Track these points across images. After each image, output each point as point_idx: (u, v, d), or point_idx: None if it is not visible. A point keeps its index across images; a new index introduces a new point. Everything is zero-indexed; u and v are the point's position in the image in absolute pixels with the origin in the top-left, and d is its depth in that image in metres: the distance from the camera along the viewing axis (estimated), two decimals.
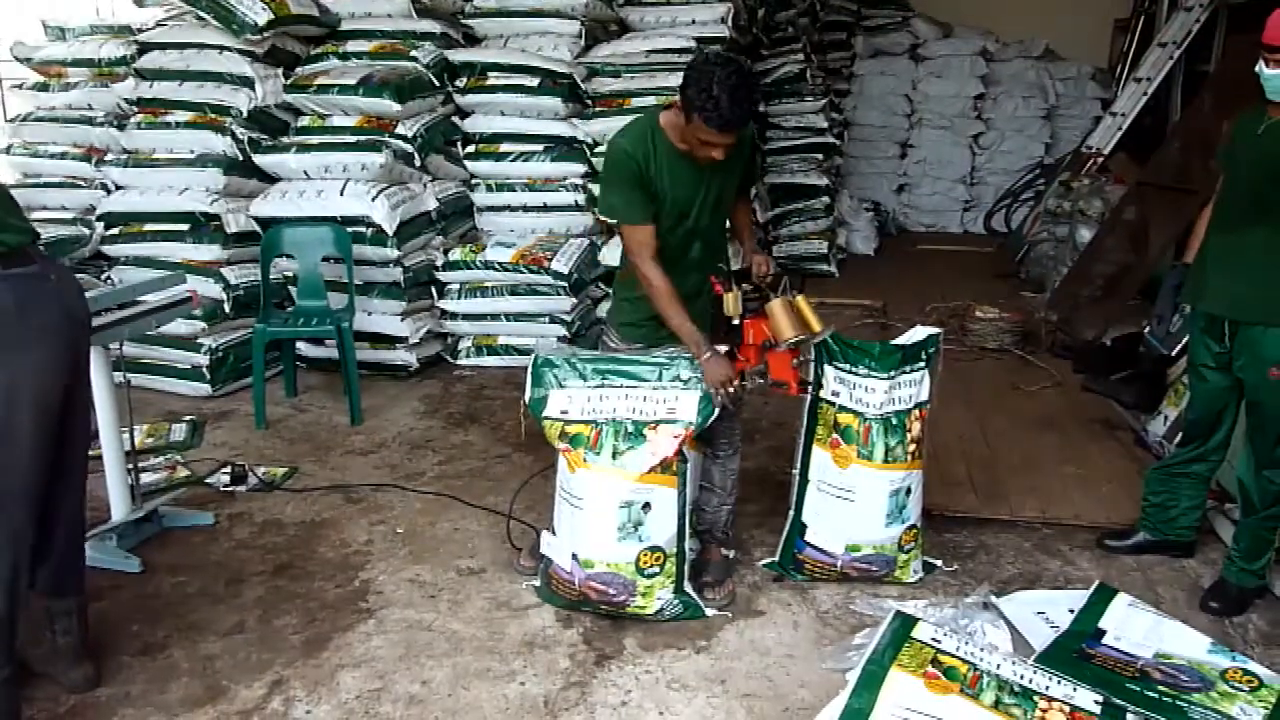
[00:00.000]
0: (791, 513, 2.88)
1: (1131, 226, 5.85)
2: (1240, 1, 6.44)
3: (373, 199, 4.49)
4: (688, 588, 2.70)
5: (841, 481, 2.73)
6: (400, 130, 4.72)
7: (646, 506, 2.55)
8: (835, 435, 2.72)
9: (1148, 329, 5.01)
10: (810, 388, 2.73)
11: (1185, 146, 5.86)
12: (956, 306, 5.58)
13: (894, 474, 2.71)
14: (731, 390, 2.52)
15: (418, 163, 4.79)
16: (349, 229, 4.43)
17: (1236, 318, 2.66)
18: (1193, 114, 6.14)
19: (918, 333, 2.78)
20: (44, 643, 2.36)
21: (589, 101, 5.12)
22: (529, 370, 2.66)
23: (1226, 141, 2.79)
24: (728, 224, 2.82)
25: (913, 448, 2.73)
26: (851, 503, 2.74)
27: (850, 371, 2.71)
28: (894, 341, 2.78)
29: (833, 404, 2.72)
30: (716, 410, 2.58)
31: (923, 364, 2.74)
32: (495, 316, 4.92)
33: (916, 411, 2.74)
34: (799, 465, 2.84)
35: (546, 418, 2.62)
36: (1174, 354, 4.57)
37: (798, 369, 2.62)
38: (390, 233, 4.49)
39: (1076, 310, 5.64)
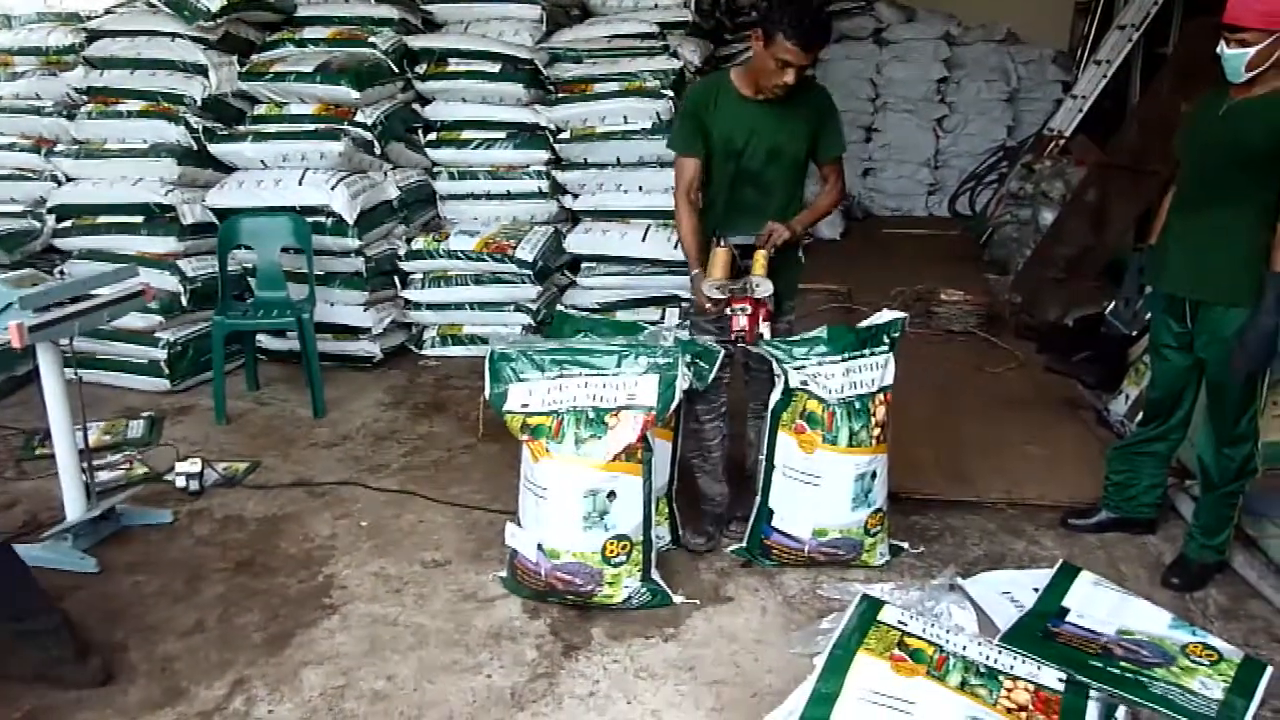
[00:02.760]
0: (759, 499, 2.87)
1: (1092, 208, 5.91)
2: None
3: (332, 188, 4.42)
4: (655, 575, 2.69)
5: (807, 467, 2.73)
6: (360, 118, 4.64)
7: (612, 495, 2.53)
8: (800, 421, 2.72)
9: (1109, 309, 5.11)
10: (759, 340, 2.72)
11: (1144, 128, 5.91)
12: (922, 290, 5.59)
13: (859, 458, 2.71)
14: (710, 309, 2.67)
15: (378, 151, 4.72)
16: (308, 219, 4.36)
17: (1197, 298, 2.68)
18: (1151, 96, 6.20)
19: (881, 317, 2.78)
20: (39, 659, 2.31)
21: (551, 87, 5.06)
22: (486, 366, 2.62)
23: (1188, 124, 2.80)
24: (800, 187, 2.91)
25: (877, 431, 2.73)
26: (817, 488, 2.74)
27: (805, 364, 2.70)
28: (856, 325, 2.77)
29: (802, 391, 2.71)
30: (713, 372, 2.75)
31: (886, 348, 2.74)
32: (460, 306, 4.87)
33: (880, 395, 2.74)
34: (765, 451, 2.83)
35: (508, 411, 2.59)
36: (1135, 334, 4.66)
37: (750, 318, 2.65)
38: (351, 222, 4.42)
39: (1039, 292, 5.68)
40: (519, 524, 2.66)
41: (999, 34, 8.92)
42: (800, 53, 2.55)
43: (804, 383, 2.72)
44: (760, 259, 2.71)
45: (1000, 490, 3.36)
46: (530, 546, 2.60)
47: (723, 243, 2.76)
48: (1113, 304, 4.98)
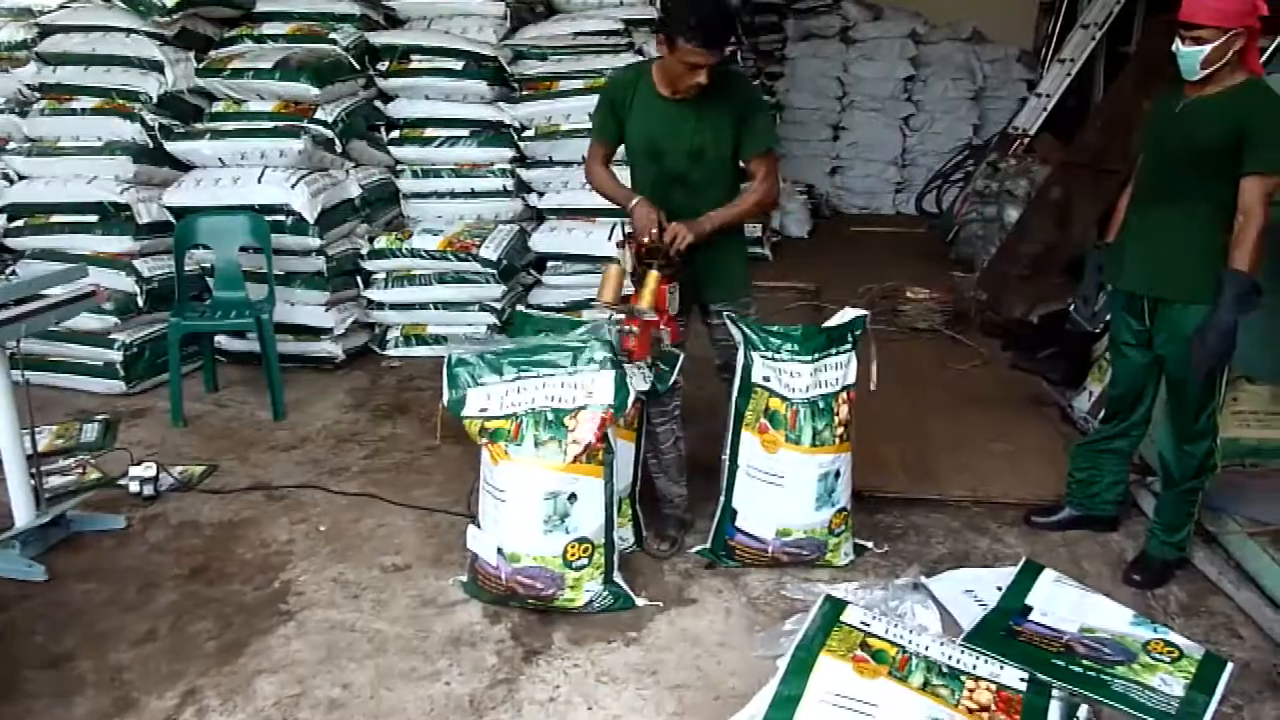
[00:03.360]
0: (722, 499, 2.85)
1: (1056, 206, 5.94)
2: None
3: (292, 186, 4.35)
4: (618, 578, 2.66)
5: (770, 466, 2.71)
6: (320, 115, 4.57)
7: (572, 497, 2.49)
8: (763, 420, 2.70)
9: (1072, 306, 5.14)
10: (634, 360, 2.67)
11: (1107, 127, 5.95)
12: (888, 288, 5.61)
13: (822, 457, 2.70)
14: (651, 238, 2.61)
15: (339, 148, 4.65)
16: (268, 217, 4.29)
17: (1156, 295, 2.69)
18: (1114, 95, 6.25)
19: (844, 315, 2.76)
20: None
21: (515, 85, 5.02)
22: (444, 372, 2.58)
23: (1145, 122, 2.81)
24: (734, 186, 2.82)
25: (840, 430, 2.72)
26: (781, 487, 2.72)
27: (774, 358, 2.68)
28: (819, 325, 2.75)
29: (763, 389, 2.69)
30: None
31: (849, 346, 2.73)
32: (423, 305, 4.81)
33: (844, 394, 2.73)
34: (728, 451, 2.81)
35: (467, 417, 2.54)
36: (1099, 331, 4.69)
37: (639, 338, 2.64)
38: (311, 221, 4.35)
39: (1004, 289, 5.71)
40: (479, 527, 2.61)
41: (965, 33, 8.97)
42: (705, 53, 2.47)
43: (766, 379, 2.70)
44: (650, 282, 2.61)
45: (965, 488, 3.36)
46: (490, 550, 2.56)
47: (626, 245, 2.70)
48: (1075, 301, 5.08)
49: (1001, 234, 6.28)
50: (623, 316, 2.65)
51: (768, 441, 2.69)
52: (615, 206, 4.71)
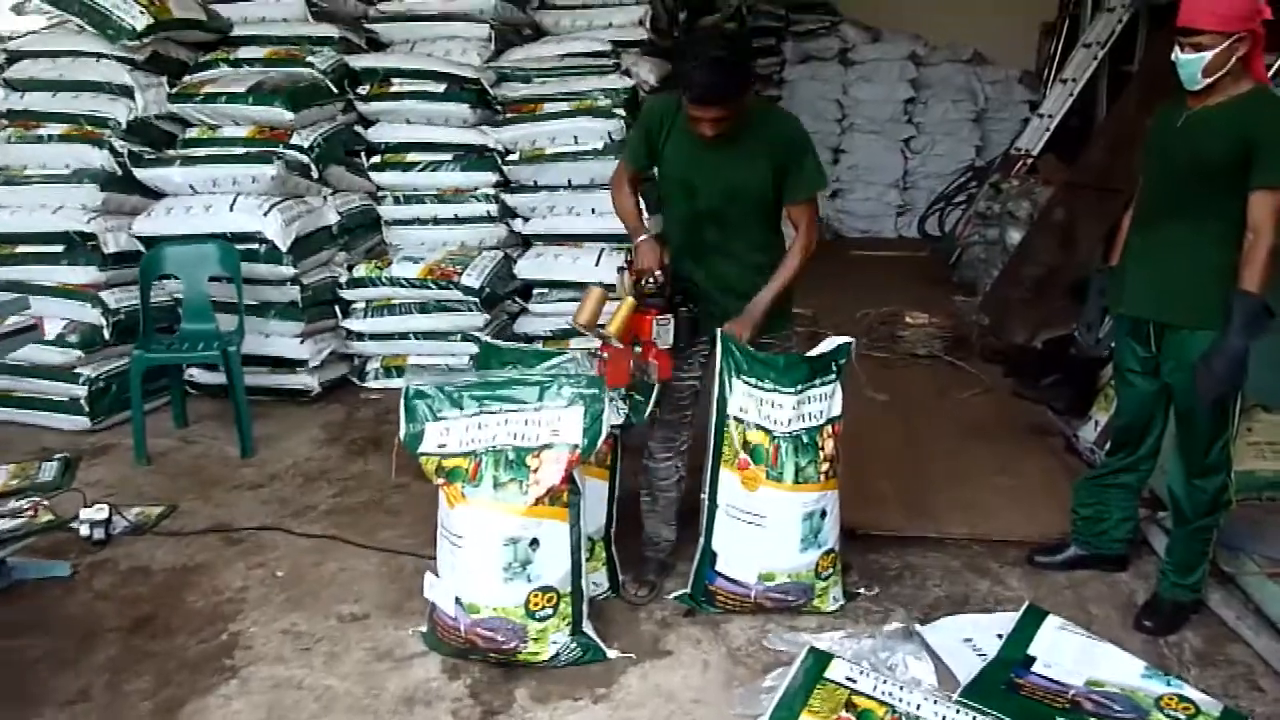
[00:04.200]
0: (701, 540, 2.67)
1: (1059, 227, 5.78)
2: (1161, 1, 6.43)
3: (265, 213, 4.21)
4: (587, 628, 2.47)
5: (751, 505, 2.53)
6: (296, 140, 4.44)
7: (534, 543, 2.31)
8: (743, 455, 2.51)
9: (1077, 331, 4.96)
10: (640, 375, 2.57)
11: (1110, 146, 5.80)
12: (886, 313, 5.43)
13: (806, 496, 2.51)
14: (651, 282, 2.50)
15: (315, 174, 4.51)
16: (241, 246, 4.15)
17: (1162, 320, 2.51)
18: (1117, 114, 6.10)
19: (828, 343, 2.59)
20: None
21: (499, 107, 4.89)
22: (401, 405, 2.41)
23: (1147, 137, 2.65)
24: (773, 227, 2.69)
25: (826, 466, 2.54)
26: (762, 528, 2.53)
27: (758, 386, 2.51)
28: (803, 355, 2.58)
29: (741, 421, 2.51)
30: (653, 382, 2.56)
31: (833, 376, 2.55)
32: (404, 335, 4.65)
33: (829, 427, 2.55)
34: (707, 489, 2.62)
35: (423, 453, 2.37)
36: (1106, 355, 4.50)
37: (614, 363, 2.53)
38: (284, 249, 4.20)
39: (1007, 313, 5.54)
40: (436, 574, 2.43)
41: (965, 54, 8.85)
42: (698, 108, 2.36)
43: (743, 410, 2.52)
44: (621, 310, 2.51)
45: (964, 525, 3.17)
46: (448, 600, 2.38)
47: (625, 271, 2.61)
48: (1077, 327, 4.90)
49: (1004, 257, 6.11)
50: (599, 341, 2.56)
51: (748, 479, 2.51)
52: (609, 231, 4.80)
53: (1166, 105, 2.55)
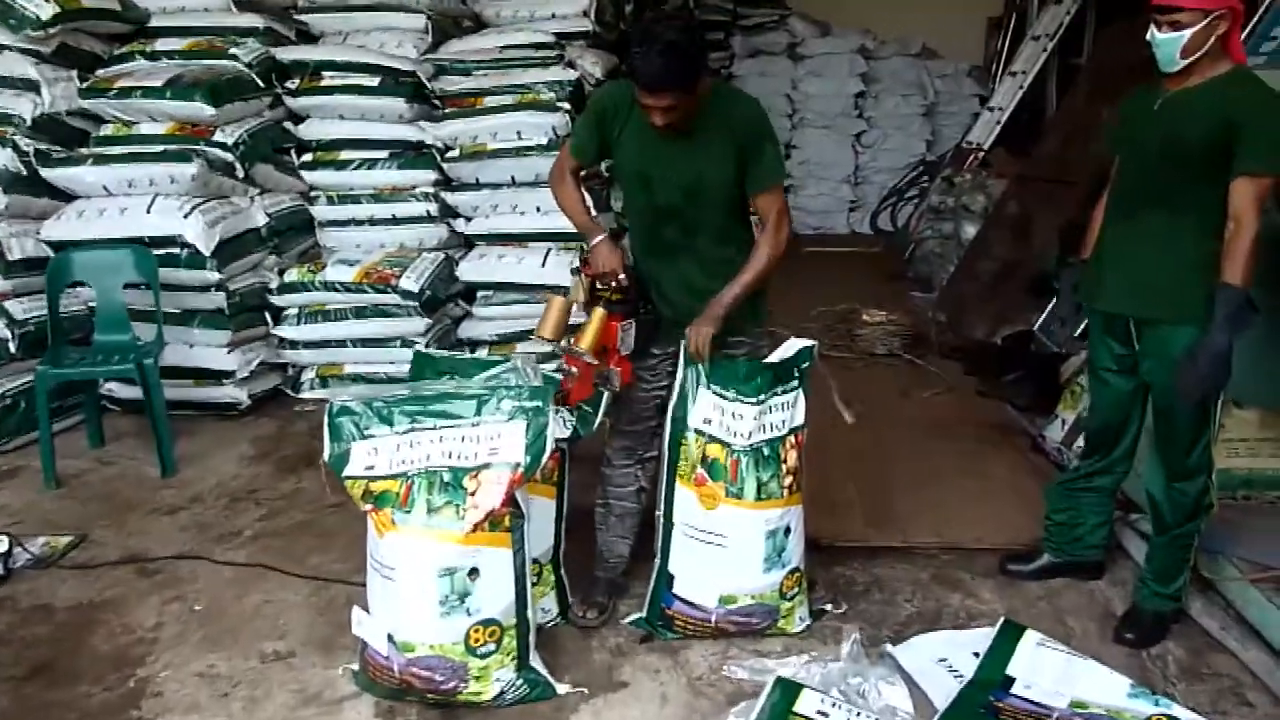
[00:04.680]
0: (657, 561, 2.48)
1: (1014, 221, 5.68)
2: None
3: (185, 215, 3.94)
4: (535, 661, 2.26)
5: (709, 525, 2.34)
6: (219, 137, 4.17)
7: (474, 573, 2.11)
8: (700, 471, 2.33)
9: (1037, 325, 4.86)
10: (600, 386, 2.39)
11: (1063, 139, 5.72)
12: (843, 311, 5.30)
13: (769, 512, 2.33)
14: (613, 286, 2.33)
15: (240, 173, 4.24)
16: (161, 250, 3.87)
17: (1140, 315, 2.37)
18: (1068, 106, 6.04)
19: (790, 347, 2.41)
20: None
21: (437, 102, 4.65)
22: (325, 423, 2.19)
23: (1118, 122, 2.51)
24: (739, 222, 2.49)
25: (789, 480, 2.36)
26: (723, 548, 2.35)
27: (722, 395, 2.32)
28: (764, 360, 2.39)
29: (702, 434, 2.32)
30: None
31: (795, 383, 2.38)
32: (340, 343, 4.39)
33: (791, 438, 2.37)
34: (662, 506, 2.44)
35: (349, 477, 2.15)
36: (1065, 351, 4.41)
37: (580, 381, 2.33)
38: (207, 253, 3.94)
39: (964, 309, 5.42)
40: (367, 610, 2.21)
41: (914, 48, 8.79)
42: (647, 95, 2.17)
43: (707, 421, 2.34)
44: (594, 322, 2.32)
45: (932, 533, 3.02)
46: (380, 638, 2.16)
47: (580, 274, 2.42)
48: (1041, 319, 4.80)
49: (959, 251, 6.01)
50: (563, 355, 2.35)
51: (705, 495, 2.32)
52: (555, 230, 4.59)
53: (1139, 90, 2.41)
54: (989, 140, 7.28)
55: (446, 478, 2.10)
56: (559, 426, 2.39)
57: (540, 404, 2.15)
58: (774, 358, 2.38)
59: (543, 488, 2.45)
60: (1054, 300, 4.84)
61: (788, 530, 2.38)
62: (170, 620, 2.62)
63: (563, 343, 2.35)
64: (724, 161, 2.32)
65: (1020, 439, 3.82)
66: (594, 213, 2.62)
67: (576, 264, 2.46)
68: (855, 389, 4.22)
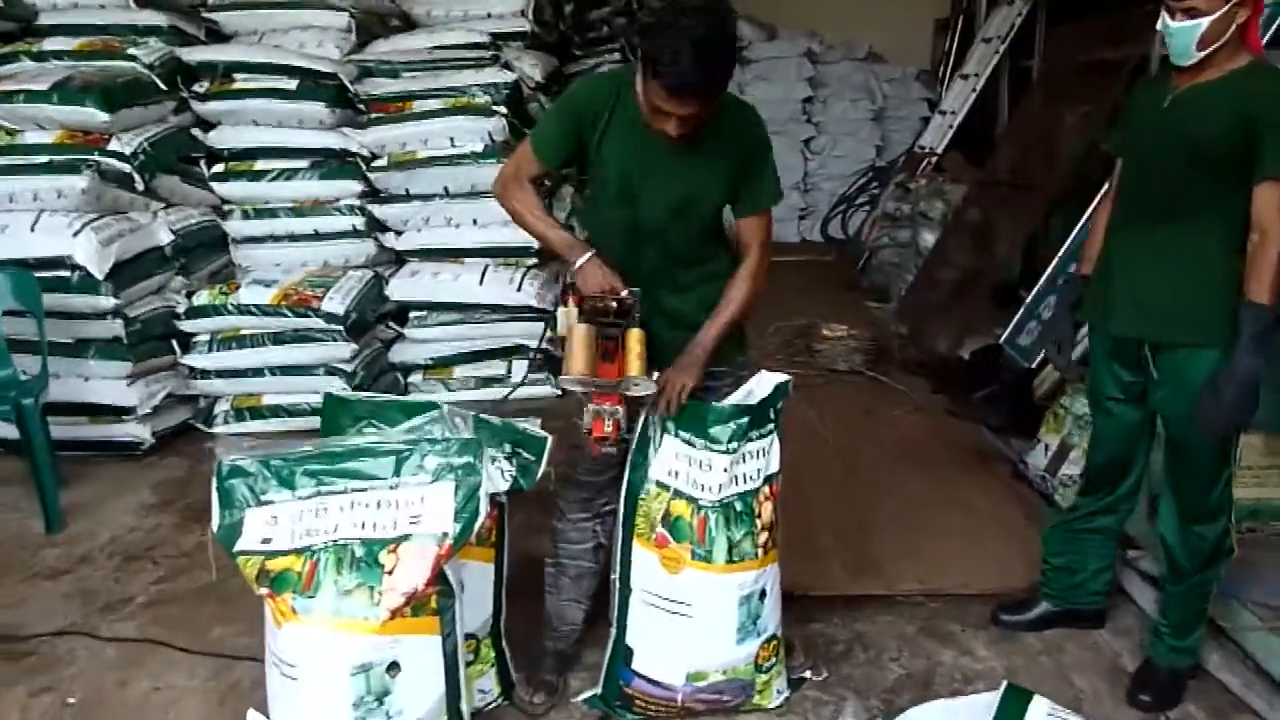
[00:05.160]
0: (613, 632, 2.14)
1: (975, 228, 5.49)
2: None
3: (75, 234, 3.51)
4: None
5: (673, 592, 2.01)
6: (114, 146, 3.74)
7: (394, 668, 1.75)
8: (661, 530, 2.00)
9: (1004, 338, 4.64)
10: (608, 445, 1.98)
11: (1021, 143, 5.55)
12: (802, 325, 5.02)
13: (742, 576, 2.01)
14: (600, 305, 1.95)
15: (140, 186, 3.82)
16: (47, 273, 3.44)
17: (1154, 338, 2.11)
18: (1025, 109, 5.86)
19: (762, 382, 2.09)
20: None
21: (362, 107, 4.28)
22: (213, 486, 1.82)
23: (1124, 122, 2.26)
24: (722, 247, 2.15)
25: (764, 538, 2.04)
26: (689, 619, 2.02)
27: (690, 444, 1.99)
28: (735, 401, 2.07)
29: (665, 488, 2.00)
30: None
31: (771, 425, 2.06)
32: (257, 371, 3.98)
33: (766, 489, 2.05)
34: (618, 568, 2.10)
35: (242, 553, 1.78)
36: (1035, 365, 4.18)
37: (616, 422, 1.93)
38: (100, 275, 3.51)
39: (925, 320, 5.21)
40: (266, 713, 1.84)
41: (861, 52, 8.64)
42: (672, 101, 1.79)
43: (673, 474, 2.01)
44: (635, 342, 1.95)
45: (915, 579, 2.74)
46: None
47: (567, 299, 2.02)
48: (1008, 332, 4.58)
49: (918, 260, 5.80)
50: (593, 395, 1.95)
51: (668, 559, 2.00)
52: (493, 245, 4.23)
53: (1146, 85, 2.17)
54: (941, 144, 7.11)
55: (359, 553, 1.74)
56: (497, 479, 2.07)
57: (472, 460, 1.80)
58: (747, 396, 2.05)
59: (478, 552, 2.11)
60: (1020, 311, 4.68)
61: (763, 594, 2.06)
62: (36, 718, 2.21)
63: (598, 382, 1.94)
64: (722, 177, 2.00)
65: (999, 465, 3.56)
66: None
67: (560, 290, 2.04)
68: (819, 410, 3.98)
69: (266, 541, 1.79)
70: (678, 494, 1.98)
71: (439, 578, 1.77)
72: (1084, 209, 4.48)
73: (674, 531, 1.98)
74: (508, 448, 2.12)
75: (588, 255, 1.99)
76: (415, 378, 4.39)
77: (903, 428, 3.96)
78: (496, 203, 2.12)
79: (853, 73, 8.52)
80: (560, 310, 2.04)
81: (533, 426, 2.14)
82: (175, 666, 2.40)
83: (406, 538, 1.75)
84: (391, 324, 4.35)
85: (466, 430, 1.89)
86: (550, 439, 2.12)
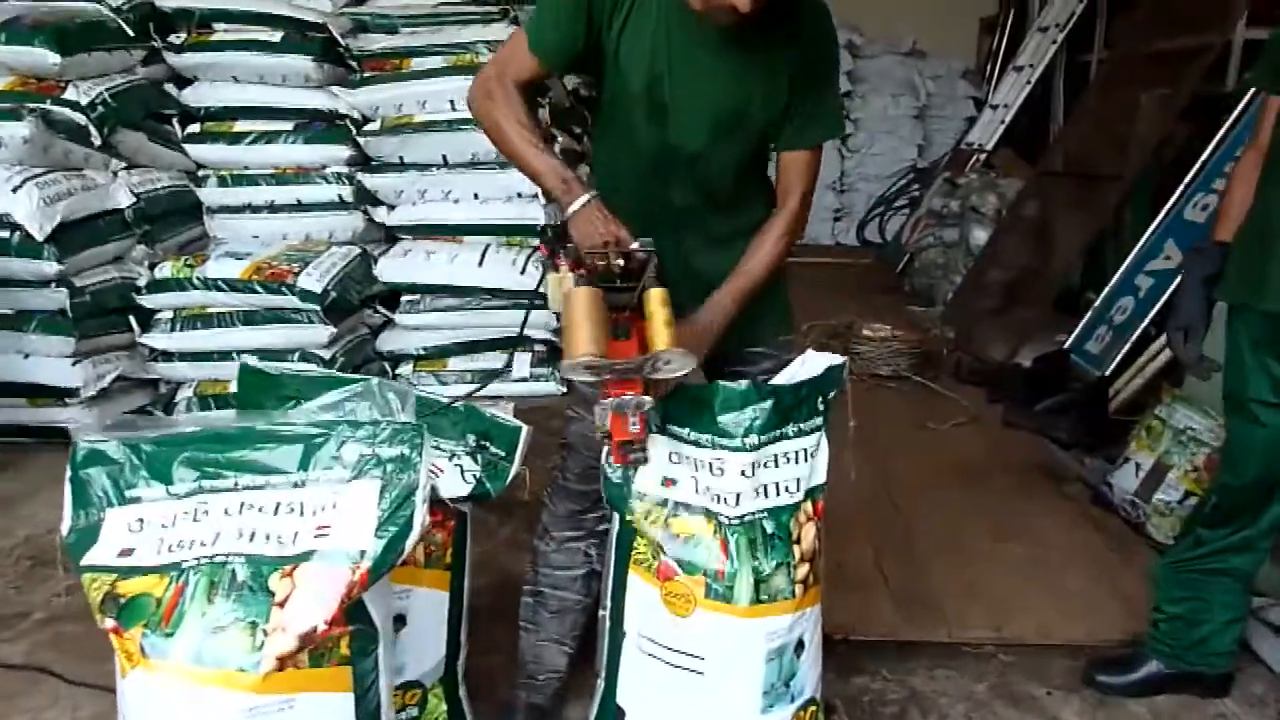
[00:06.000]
0: (601, 684, 1.64)
1: (1033, 224, 4.97)
2: None
3: (15, 189, 3.08)
4: None
5: (681, 640, 1.50)
6: (70, 95, 3.31)
7: None
8: (666, 559, 1.49)
9: (1069, 344, 4.12)
10: (636, 455, 1.45)
11: (1087, 132, 5.02)
12: (838, 325, 4.51)
13: (773, 622, 1.48)
14: (603, 264, 1.42)
15: (96, 141, 3.38)
16: None
17: None
18: (1089, 99, 5.33)
19: (809, 363, 1.58)
20: None
21: (355, 64, 3.83)
22: (67, 475, 1.34)
23: (1272, 54, 1.75)
24: (769, 185, 1.68)
25: (804, 571, 1.52)
26: (700, 675, 1.51)
27: (687, 439, 1.49)
28: (771, 380, 1.57)
29: (661, 503, 1.49)
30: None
31: (818, 420, 1.55)
32: (225, 355, 3.51)
33: (808, 505, 1.54)
34: (609, 603, 1.60)
35: (90, 568, 1.30)
36: (1109, 374, 3.66)
37: (643, 418, 1.38)
38: (41, 237, 3.08)
39: (976, 326, 4.69)
40: None
41: (904, 46, 8.14)
42: None
43: (670, 481, 1.51)
44: (657, 305, 1.40)
45: (983, 624, 2.22)
46: None
47: (560, 263, 1.48)
48: (1073, 338, 4.05)
49: (967, 260, 5.28)
50: (609, 382, 1.37)
51: (674, 596, 1.49)
52: (497, 221, 3.79)
53: None
54: (992, 141, 6.62)
55: (241, 574, 1.25)
56: (453, 480, 1.58)
57: (406, 452, 1.31)
58: (785, 377, 1.55)
59: (429, 574, 1.63)
60: (1087, 315, 4.16)
61: (800, 645, 1.54)
62: None
63: (626, 362, 1.36)
64: (778, 89, 1.51)
65: (1072, 486, 3.03)
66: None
67: (549, 246, 1.47)
68: (862, 419, 3.45)
69: (126, 554, 1.31)
70: (685, 507, 1.47)
71: (353, 613, 1.28)
72: (1165, 199, 4.00)
73: (686, 558, 1.47)
74: (470, 440, 1.64)
75: (585, 198, 1.46)
76: (405, 369, 3.92)
77: (956, 441, 3.44)
78: (470, 112, 1.61)
79: (895, 67, 8.03)
80: (550, 277, 1.51)
81: (504, 413, 1.66)
82: (60, 701, 1.94)
83: (308, 556, 1.26)
84: (380, 308, 3.89)
85: (405, 412, 1.40)
86: (526, 429, 1.64)
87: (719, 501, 1.47)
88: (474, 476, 1.62)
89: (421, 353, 3.88)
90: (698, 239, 1.62)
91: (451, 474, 1.61)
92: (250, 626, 1.23)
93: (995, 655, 2.13)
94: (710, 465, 1.48)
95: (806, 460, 1.52)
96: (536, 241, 3.80)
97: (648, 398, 1.37)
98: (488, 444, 1.64)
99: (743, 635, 1.47)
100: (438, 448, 1.60)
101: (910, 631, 2.17)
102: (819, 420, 1.53)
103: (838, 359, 1.56)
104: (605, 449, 1.48)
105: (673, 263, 1.53)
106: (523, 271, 3.69)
